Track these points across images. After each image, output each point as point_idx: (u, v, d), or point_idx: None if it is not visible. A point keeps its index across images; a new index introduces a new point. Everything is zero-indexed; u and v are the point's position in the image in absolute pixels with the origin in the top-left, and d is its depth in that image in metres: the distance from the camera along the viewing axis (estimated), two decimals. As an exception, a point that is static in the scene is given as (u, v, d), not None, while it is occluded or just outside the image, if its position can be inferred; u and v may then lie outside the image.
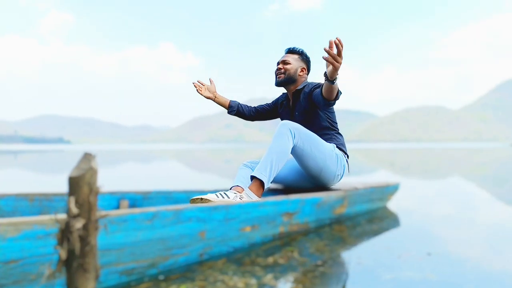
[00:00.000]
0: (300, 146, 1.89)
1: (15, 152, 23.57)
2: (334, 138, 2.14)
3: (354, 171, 6.80)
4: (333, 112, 2.16)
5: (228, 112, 2.40)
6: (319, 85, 2.01)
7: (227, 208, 1.43)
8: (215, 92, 2.31)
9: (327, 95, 1.80)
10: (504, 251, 1.63)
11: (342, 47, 1.53)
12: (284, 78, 2.13)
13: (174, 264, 1.30)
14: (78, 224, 0.72)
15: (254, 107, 2.43)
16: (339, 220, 2.20)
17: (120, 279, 1.14)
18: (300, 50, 2.17)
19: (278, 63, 2.17)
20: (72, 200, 0.71)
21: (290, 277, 1.31)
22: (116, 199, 1.90)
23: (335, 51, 1.55)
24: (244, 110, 2.40)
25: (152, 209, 1.18)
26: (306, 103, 2.07)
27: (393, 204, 2.84)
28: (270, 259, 1.48)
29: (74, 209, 0.71)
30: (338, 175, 2.07)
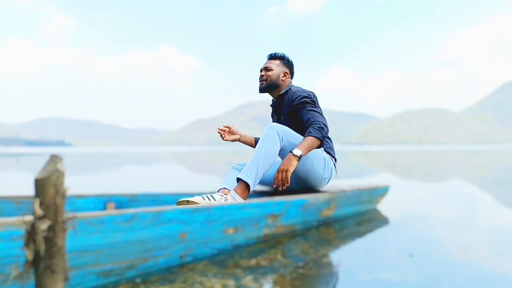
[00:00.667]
0: (287, 148, 1.91)
1: (16, 154, 23.63)
2: (322, 141, 2.15)
3: (353, 173, 6.80)
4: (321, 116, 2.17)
5: None
6: (302, 100, 2.01)
7: (208, 209, 1.44)
8: (239, 133, 2.27)
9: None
10: (491, 252, 1.64)
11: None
12: (266, 85, 2.15)
13: (153, 266, 1.31)
14: (43, 225, 0.73)
15: None
16: (326, 222, 2.21)
17: (98, 281, 1.15)
18: (282, 55, 2.18)
19: (261, 70, 2.18)
20: (37, 201, 0.72)
21: (270, 278, 1.32)
22: (103, 202, 1.92)
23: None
24: None
25: (131, 210, 1.19)
26: (290, 108, 2.08)
27: (386, 206, 2.84)
28: (253, 261, 1.49)
29: (39, 211, 0.72)
30: (325, 178, 2.08)
